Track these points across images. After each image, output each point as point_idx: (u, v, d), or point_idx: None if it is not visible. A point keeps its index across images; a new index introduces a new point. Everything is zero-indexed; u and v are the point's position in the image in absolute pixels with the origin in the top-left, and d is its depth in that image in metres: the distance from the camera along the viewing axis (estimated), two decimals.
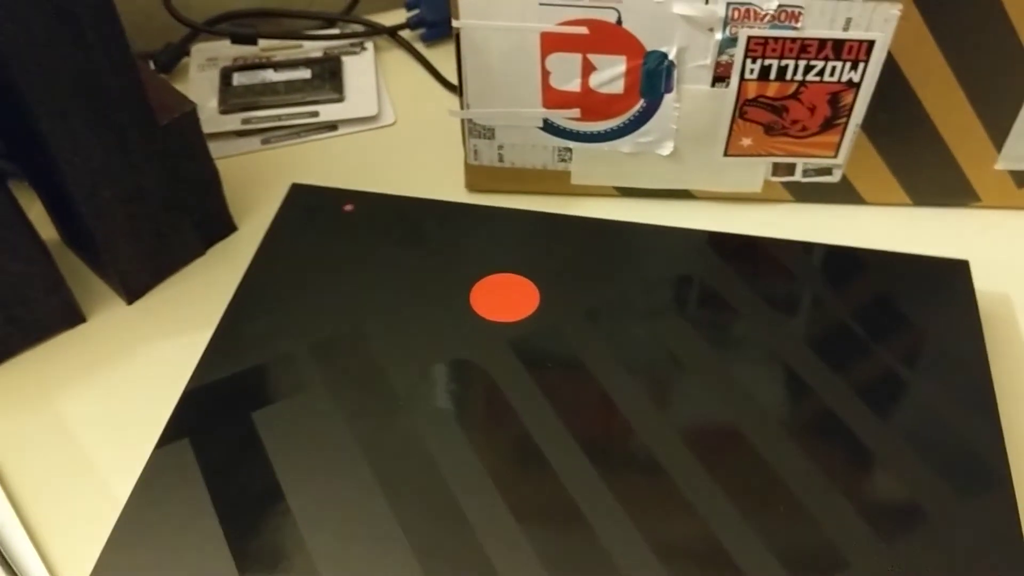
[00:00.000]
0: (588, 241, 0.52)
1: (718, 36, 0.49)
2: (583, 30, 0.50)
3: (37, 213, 0.58)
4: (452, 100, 0.67)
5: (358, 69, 0.69)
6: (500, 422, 0.44)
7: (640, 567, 0.39)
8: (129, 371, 0.52)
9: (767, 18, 0.48)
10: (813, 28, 0.49)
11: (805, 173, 0.56)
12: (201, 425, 0.44)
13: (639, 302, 0.49)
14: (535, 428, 0.44)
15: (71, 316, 0.53)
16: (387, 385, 0.45)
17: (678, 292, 0.49)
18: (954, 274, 0.50)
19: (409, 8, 0.71)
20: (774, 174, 0.56)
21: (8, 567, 0.43)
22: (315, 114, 0.65)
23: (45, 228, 0.57)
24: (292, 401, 0.45)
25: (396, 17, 0.72)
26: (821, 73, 0.51)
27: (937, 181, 0.57)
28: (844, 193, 0.57)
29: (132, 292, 0.54)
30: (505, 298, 0.49)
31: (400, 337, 0.47)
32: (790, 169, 0.56)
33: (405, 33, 0.72)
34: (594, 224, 0.53)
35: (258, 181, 0.61)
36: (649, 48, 0.50)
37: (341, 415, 0.44)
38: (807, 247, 0.51)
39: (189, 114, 0.51)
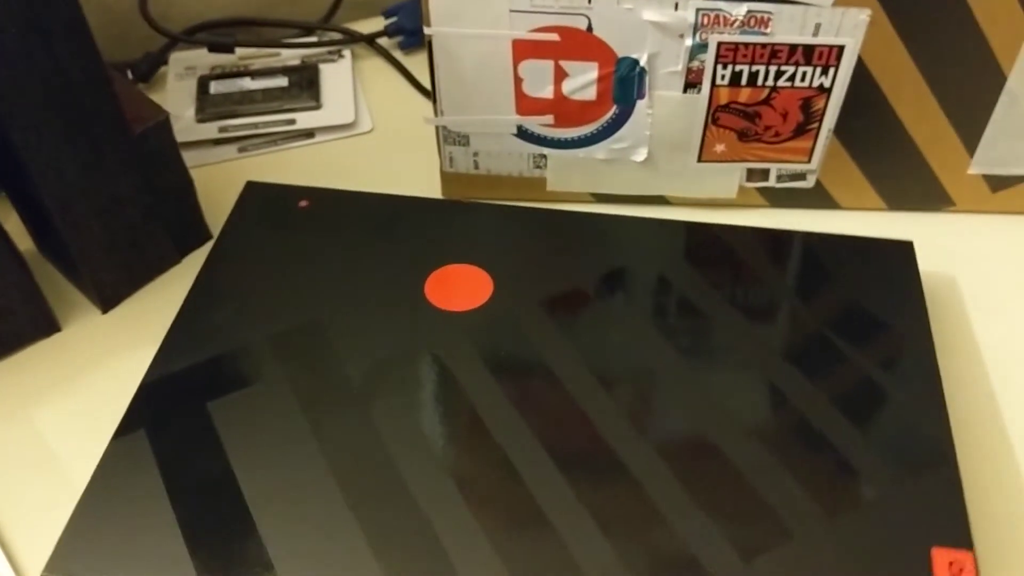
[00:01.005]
0: (544, 232, 0.52)
1: (688, 42, 0.49)
2: (554, 37, 0.50)
3: (14, 224, 0.58)
4: (429, 107, 0.67)
5: (335, 77, 0.69)
6: (453, 410, 0.44)
7: (593, 550, 0.40)
8: (104, 380, 0.52)
9: (737, 24, 0.49)
10: (783, 34, 0.49)
11: (779, 179, 0.56)
12: (157, 416, 0.44)
13: (592, 290, 0.49)
14: (488, 416, 0.44)
15: (46, 325, 0.53)
16: (342, 375, 0.46)
17: (630, 279, 0.50)
18: (899, 254, 0.51)
19: (387, 16, 0.71)
20: (748, 180, 0.57)
21: None
22: (292, 122, 0.65)
23: (21, 238, 0.57)
24: (247, 392, 0.45)
25: (374, 25, 0.72)
26: (792, 79, 0.51)
27: (911, 186, 0.57)
28: (819, 198, 0.57)
29: (107, 301, 0.54)
30: (459, 288, 0.49)
31: (355, 328, 0.48)
32: (764, 175, 0.56)
33: (383, 41, 0.72)
34: (550, 215, 0.53)
35: (235, 189, 0.61)
36: (620, 54, 0.50)
37: (296, 405, 0.45)
38: (756, 232, 0.52)
39: (162, 123, 0.51)
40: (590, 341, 0.47)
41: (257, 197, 0.54)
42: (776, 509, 0.41)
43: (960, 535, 0.40)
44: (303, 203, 0.53)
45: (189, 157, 0.56)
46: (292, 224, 0.52)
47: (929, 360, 0.46)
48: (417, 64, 0.71)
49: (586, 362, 0.46)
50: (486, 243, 0.51)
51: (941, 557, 0.39)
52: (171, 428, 0.44)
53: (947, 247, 0.56)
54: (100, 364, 0.52)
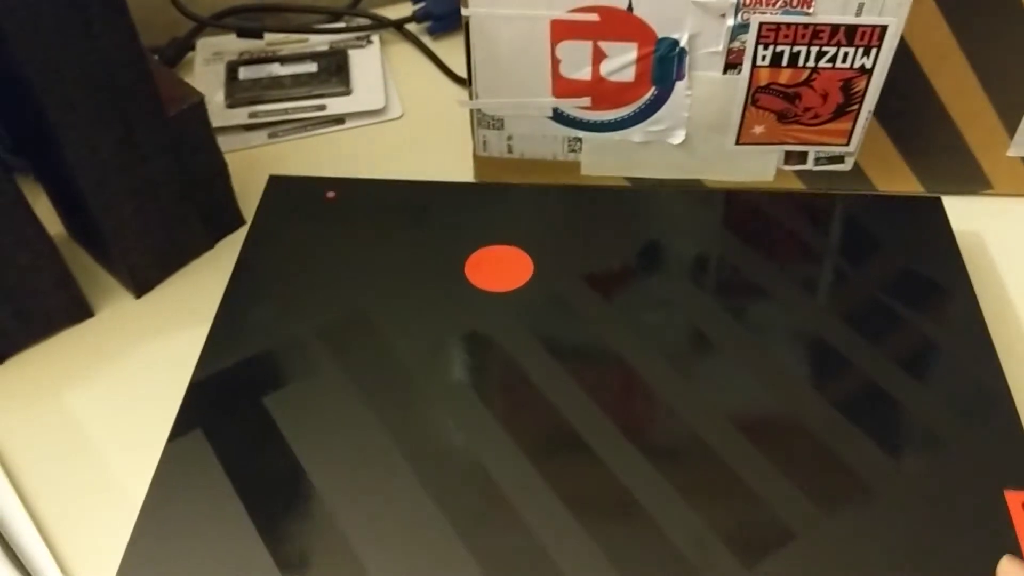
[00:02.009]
0: (580, 209, 0.52)
1: (730, 22, 0.49)
2: (594, 17, 0.49)
3: (43, 208, 0.57)
4: (459, 92, 0.67)
5: (364, 62, 0.68)
6: (515, 388, 0.44)
7: (674, 519, 0.40)
8: (138, 365, 0.51)
9: (779, 4, 0.48)
10: (825, 13, 0.48)
11: (817, 161, 0.56)
12: (212, 415, 0.43)
13: (635, 263, 0.49)
14: (551, 392, 0.44)
15: (79, 310, 0.53)
16: (396, 360, 0.45)
17: (673, 250, 0.50)
18: (929, 210, 0.52)
19: (415, 1, 0.71)
20: (786, 163, 0.56)
21: (18, 562, 0.43)
22: (322, 107, 0.65)
23: (52, 222, 0.57)
24: (302, 384, 0.45)
25: (402, 10, 0.72)
26: (833, 59, 0.50)
27: (949, 168, 0.56)
28: (856, 181, 0.57)
29: (141, 286, 0.54)
30: (499, 269, 0.49)
31: (400, 314, 0.47)
32: (802, 157, 0.56)
33: (411, 26, 0.71)
34: (585, 192, 0.53)
35: (265, 175, 0.61)
36: (660, 35, 0.50)
37: (354, 394, 0.44)
38: (790, 196, 0.53)
39: (197, 105, 0.51)
40: (640, 314, 0.47)
41: (282, 191, 0.53)
42: (848, 466, 0.41)
43: None
44: (330, 195, 0.53)
45: (219, 142, 0.55)
46: (321, 216, 0.52)
47: (973, 309, 0.47)
48: (445, 50, 0.70)
49: (640, 334, 0.46)
50: (522, 223, 0.51)
51: (1015, 499, 0.39)
52: (229, 426, 0.43)
53: (984, 230, 0.56)
54: (134, 349, 0.52)
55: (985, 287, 0.52)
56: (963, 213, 0.56)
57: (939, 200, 0.52)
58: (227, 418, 0.43)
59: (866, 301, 0.47)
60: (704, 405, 0.43)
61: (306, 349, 0.46)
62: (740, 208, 0.52)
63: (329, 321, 0.47)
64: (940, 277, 0.48)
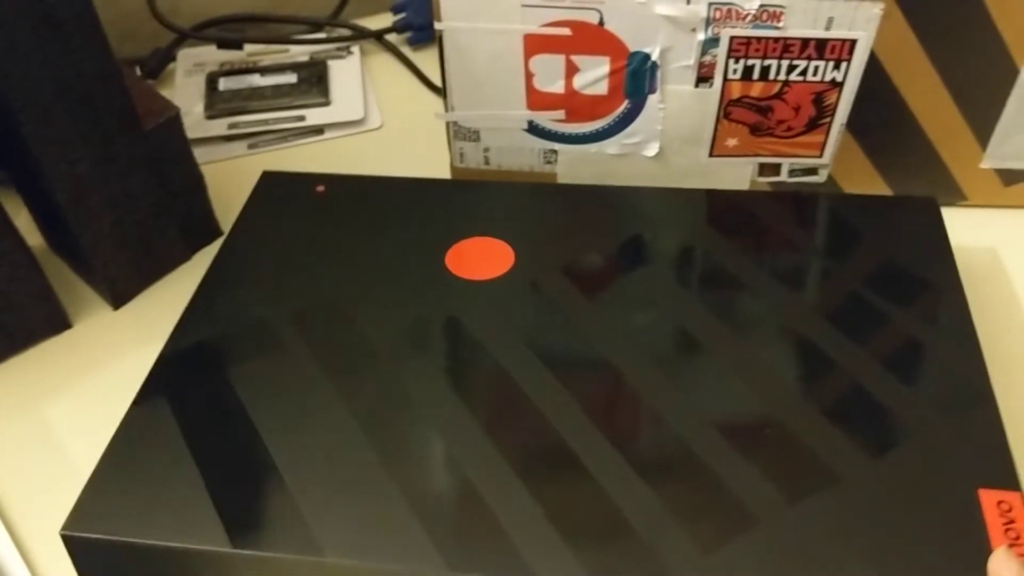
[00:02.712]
0: (562, 205, 0.52)
1: (700, 36, 0.49)
2: (566, 31, 0.50)
3: (24, 220, 0.58)
4: (438, 103, 0.67)
5: (344, 73, 0.69)
6: (484, 372, 0.44)
7: (635, 500, 0.40)
8: (116, 377, 0.52)
9: (749, 18, 0.48)
10: (795, 27, 0.49)
11: (791, 173, 0.56)
12: (178, 384, 0.44)
13: (616, 257, 0.49)
14: (520, 376, 0.44)
15: (57, 322, 0.53)
16: (367, 344, 0.46)
17: (654, 244, 0.50)
18: (923, 210, 0.51)
19: (395, 12, 0.71)
20: (760, 174, 0.56)
21: None
22: (301, 118, 0.65)
23: (31, 234, 0.57)
24: (270, 361, 0.45)
25: (383, 21, 0.72)
26: (804, 73, 0.51)
27: (923, 180, 0.57)
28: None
29: (118, 297, 0.54)
30: (480, 259, 0.49)
31: (377, 300, 0.47)
32: (776, 169, 0.56)
33: (392, 37, 0.72)
34: (566, 189, 0.53)
35: (244, 186, 0.61)
36: (632, 49, 0.50)
37: (321, 372, 0.44)
38: (774, 196, 0.52)
39: (173, 119, 0.51)
40: (619, 306, 0.47)
41: (274, 186, 0.54)
42: (823, 459, 0.41)
43: (1006, 476, 0.40)
44: (320, 188, 0.53)
45: (198, 154, 0.56)
46: (309, 209, 0.52)
47: (961, 307, 0.46)
48: (425, 60, 0.70)
49: (618, 326, 0.46)
50: (505, 216, 0.51)
51: (989, 498, 0.39)
52: (193, 395, 0.43)
53: (959, 242, 0.56)
54: (111, 361, 0.52)
55: (969, 295, 0.52)
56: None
57: (934, 200, 0.51)
58: (192, 390, 0.44)
59: (850, 298, 0.47)
60: (679, 397, 0.43)
61: (278, 331, 0.46)
62: (723, 206, 0.52)
63: (304, 305, 0.47)
64: (929, 274, 0.48)
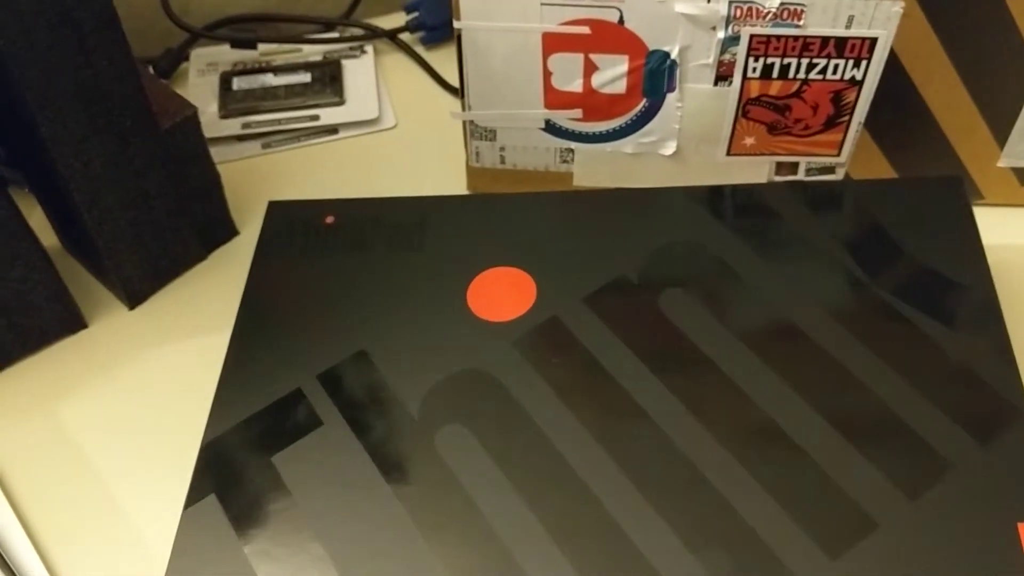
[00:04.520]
0: (578, 217, 0.51)
1: (720, 35, 0.49)
2: (585, 30, 0.50)
3: (38, 220, 0.57)
4: (452, 103, 0.67)
5: (358, 72, 0.68)
6: (516, 431, 0.43)
7: (672, 559, 0.39)
8: (132, 377, 0.51)
9: (769, 16, 0.48)
10: (815, 26, 0.49)
11: (808, 172, 0.56)
12: (224, 477, 0.43)
13: (639, 276, 0.48)
14: (552, 432, 0.43)
15: (73, 322, 0.53)
16: (399, 408, 0.45)
17: (677, 257, 0.49)
18: (948, 190, 0.49)
19: (408, 11, 0.71)
20: (777, 173, 0.56)
21: (12, 574, 0.43)
22: (315, 118, 0.65)
23: (46, 235, 0.57)
24: (308, 438, 0.44)
25: (395, 20, 0.72)
26: (824, 71, 0.50)
27: None
28: None
29: (134, 297, 0.54)
30: (502, 295, 0.48)
31: (402, 353, 0.46)
32: (793, 168, 0.56)
33: (405, 36, 0.72)
34: (581, 197, 0.52)
35: (259, 185, 0.61)
36: (651, 47, 0.50)
37: (359, 446, 0.43)
38: (793, 186, 0.51)
39: (190, 118, 0.51)
40: (645, 334, 0.46)
41: (282, 219, 0.52)
42: (859, 494, 0.40)
43: None
44: (329, 220, 0.52)
45: (212, 153, 0.55)
46: (321, 245, 0.51)
47: (998, 324, 0.45)
48: (439, 59, 0.70)
49: (645, 359, 0.45)
50: (521, 238, 0.50)
51: None
52: (240, 488, 0.43)
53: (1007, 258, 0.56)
54: (128, 361, 0.52)
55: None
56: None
57: (959, 179, 0.49)
58: (238, 480, 0.43)
59: (883, 314, 0.46)
60: (718, 451, 0.42)
61: (311, 399, 0.45)
62: (745, 203, 0.51)
63: (331, 367, 0.46)
64: (962, 279, 0.46)
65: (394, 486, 0.42)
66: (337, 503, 0.42)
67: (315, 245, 0.51)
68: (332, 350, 0.47)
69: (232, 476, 0.43)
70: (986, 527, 0.39)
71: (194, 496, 0.43)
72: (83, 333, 0.54)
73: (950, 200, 0.49)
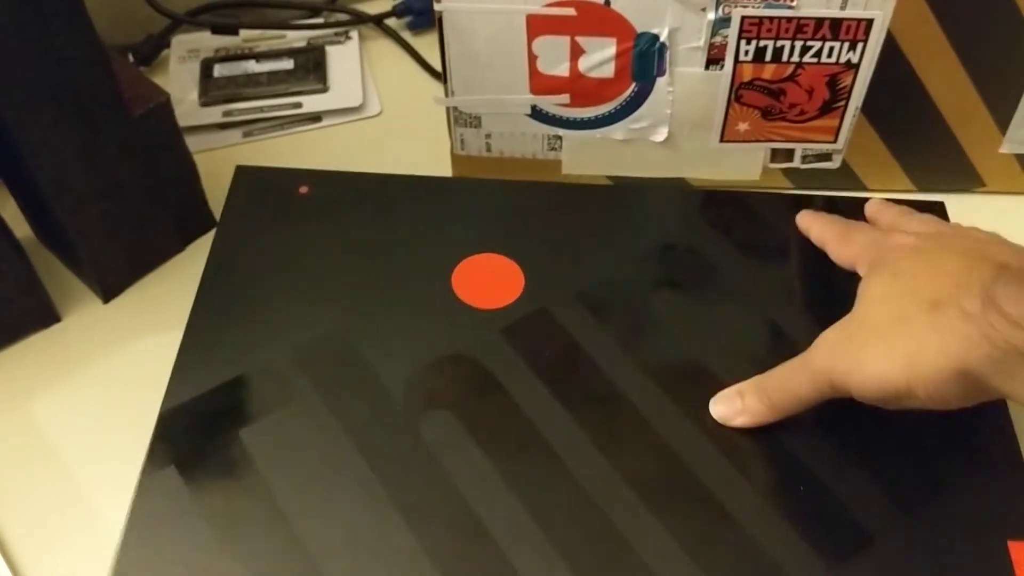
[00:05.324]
0: (568, 209, 0.50)
1: (711, 16, 0.47)
2: (571, 11, 0.48)
3: (11, 210, 0.56)
4: (439, 89, 0.65)
5: (343, 59, 0.67)
6: (504, 420, 0.42)
7: (661, 550, 0.38)
8: (106, 372, 0.50)
9: None
10: (809, 7, 0.47)
11: (804, 159, 0.54)
12: (185, 450, 0.41)
13: (628, 272, 0.47)
14: (538, 419, 0.42)
15: (46, 316, 0.52)
16: (379, 389, 0.43)
17: (667, 255, 0.48)
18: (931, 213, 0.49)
19: None
20: (772, 160, 0.55)
21: None
22: (298, 105, 0.63)
23: (19, 225, 0.56)
24: (280, 414, 0.42)
25: (382, 5, 0.70)
26: (819, 54, 0.49)
27: (941, 166, 0.55)
28: (845, 179, 0.55)
29: (108, 290, 0.53)
30: (489, 282, 0.47)
31: (383, 332, 0.45)
32: (789, 155, 0.54)
33: (391, 21, 0.70)
34: (569, 190, 0.51)
35: None
36: (640, 30, 0.48)
37: (337, 426, 0.41)
38: (786, 197, 0.51)
39: (163, 105, 0.50)
40: (637, 334, 0.45)
41: (251, 185, 0.50)
42: (851, 512, 0.40)
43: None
44: (303, 189, 0.50)
45: (192, 142, 0.54)
46: (294, 215, 0.49)
47: None
48: (426, 45, 0.69)
49: (633, 356, 0.44)
50: (510, 225, 0.49)
51: (1019, 549, 0.38)
52: (203, 462, 0.41)
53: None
54: (102, 355, 0.51)
55: None
56: (955, 212, 0.54)
57: (942, 205, 0.50)
58: (201, 453, 0.41)
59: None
60: (706, 447, 0.41)
61: (283, 374, 0.43)
62: (734, 208, 0.50)
63: (305, 341, 0.44)
64: None
65: (375, 470, 0.40)
66: (310, 485, 0.40)
67: (287, 215, 0.49)
68: (304, 324, 0.45)
69: (193, 448, 0.41)
70: (977, 545, 0.38)
71: (151, 466, 0.41)
72: (56, 327, 0.52)
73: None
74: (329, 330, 0.45)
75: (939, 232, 0.44)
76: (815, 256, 0.48)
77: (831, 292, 0.45)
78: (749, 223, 0.49)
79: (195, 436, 0.41)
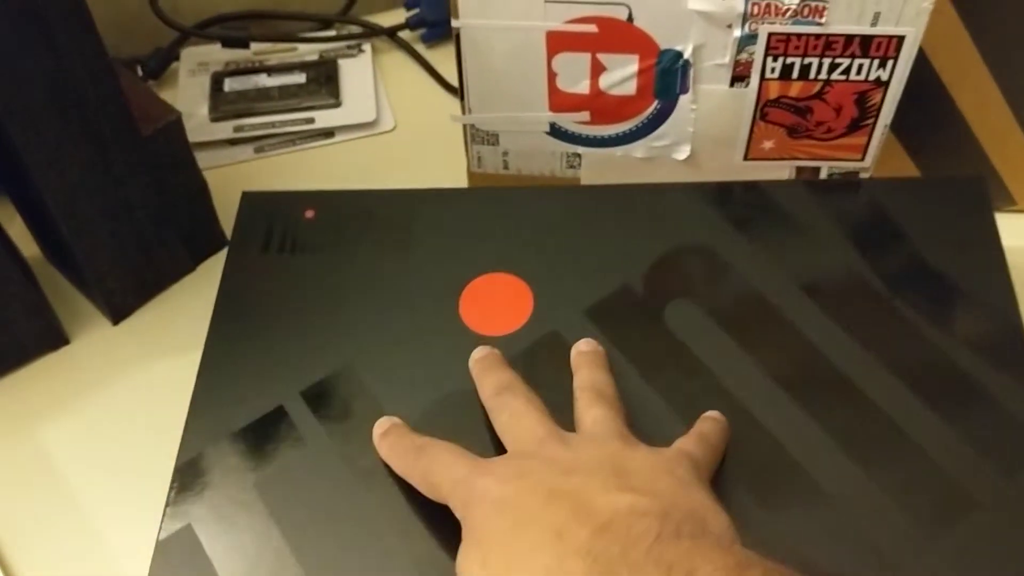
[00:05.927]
0: (577, 216, 0.48)
1: (737, 33, 0.46)
2: (592, 28, 0.47)
3: (18, 228, 0.55)
4: (454, 104, 0.64)
5: (355, 72, 0.66)
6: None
7: None
8: (115, 396, 0.49)
9: (789, 13, 0.45)
10: (839, 23, 0.46)
11: (831, 177, 0.53)
12: (200, 504, 0.40)
13: (642, 285, 0.45)
14: None
15: (54, 338, 0.51)
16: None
17: (683, 262, 0.46)
18: (970, 190, 0.47)
19: (408, 7, 0.68)
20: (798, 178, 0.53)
21: None
22: (311, 120, 0.62)
23: (27, 245, 0.55)
24: (291, 460, 0.41)
25: (395, 17, 0.69)
26: (847, 71, 0.47)
27: None
28: None
29: (118, 312, 0.52)
30: (497, 305, 0.45)
31: (391, 369, 0.43)
32: (815, 174, 0.53)
33: (404, 34, 0.69)
34: (579, 193, 0.49)
35: None
36: (663, 46, 0.47)
37: (349, 471, 0.40)
38: (806, 185, 0.49)
39: (174, 123, 0.49)
40: (648, 351, 0.43)
41: (258, 212, 0.49)
42: (878, 532, 0.38)
43: None
44: (309, 214, 0.49)
45: (202, 158, 0.53)
46: (301, 242, 0.47)
47: (1014, 328, 0.43)
48: (440, 58, 0.67)
49: (648, 380, 0.42)
50: (517, 240, 0.47)
51: None
52: (217, 516, 0.39)
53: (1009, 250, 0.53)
54: (111, 379, 0.50)
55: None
56: None
57: (982, 179, 0.48)
58: (215, 507, 0.40)
59: (900, 331, 0.43)
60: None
61: (294, 418, 0.42)
62: (757, 203, 0.48)
63: (314, 383, 0.43)
64: (982, 289, 0.45)
65: (392, 520, 0.39)
66: (322, 534, 0.39)
67: (294, 242, 0.48)
68: (315, 363, 0.44)
69: (207, 502, 0.40)
70: (1013, 564, 0.37)
71: (170, 525, 0.39)
72: (65, 349, 0.51)
73: (971, 202, 0.47)
74: (337, 368, 0.44)
75: (529, 470, 0.37)
76: (847, 257, 0.46)
77: (864, 303, 0.44)
78: (771, 216, 0.47)
79: (208, 489, 0.40)
